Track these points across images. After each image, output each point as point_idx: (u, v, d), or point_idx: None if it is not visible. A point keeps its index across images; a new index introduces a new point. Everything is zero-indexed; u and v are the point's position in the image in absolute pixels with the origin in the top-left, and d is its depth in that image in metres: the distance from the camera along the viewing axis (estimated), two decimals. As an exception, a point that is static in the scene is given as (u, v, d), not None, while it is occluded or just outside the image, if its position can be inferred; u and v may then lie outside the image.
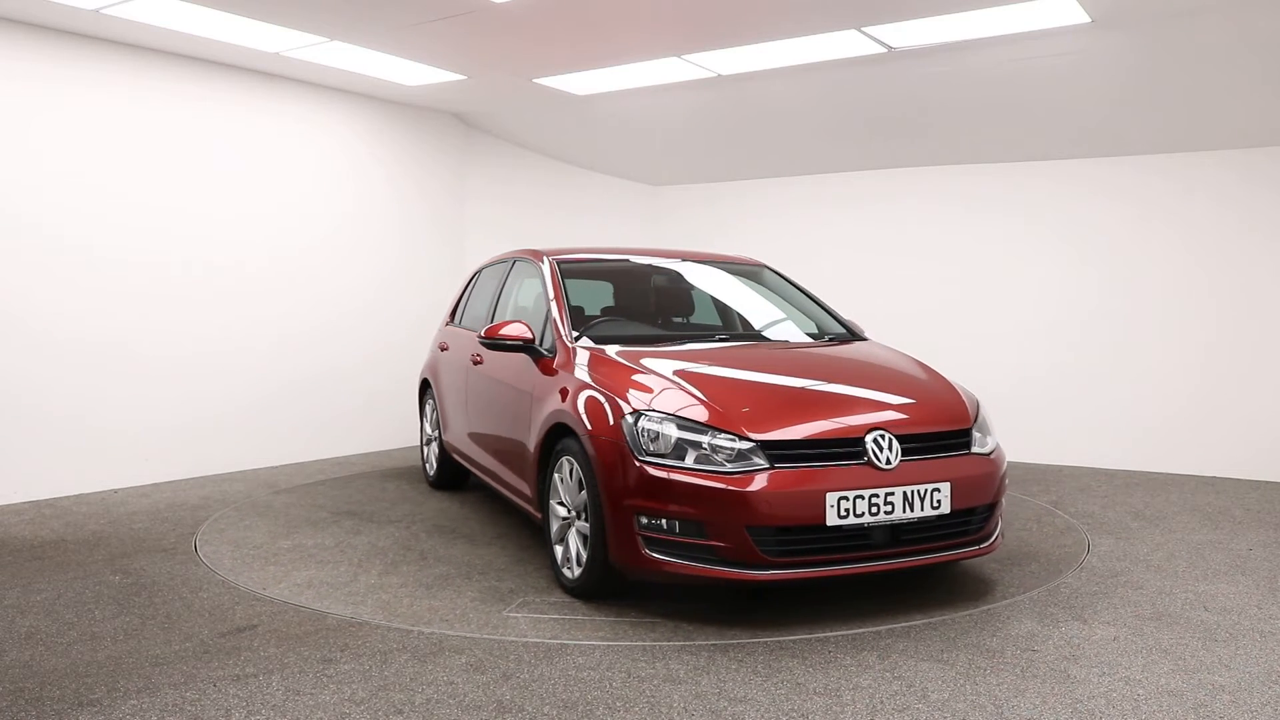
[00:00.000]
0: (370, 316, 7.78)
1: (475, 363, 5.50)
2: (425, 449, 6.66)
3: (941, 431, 3.93)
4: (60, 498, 5.91)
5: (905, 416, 3.93)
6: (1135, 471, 7.02)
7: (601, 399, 3.96)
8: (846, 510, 3.56)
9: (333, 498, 6.10)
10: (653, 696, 3.04)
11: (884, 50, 5.85)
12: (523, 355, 4.78)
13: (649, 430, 3.71)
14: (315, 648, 3.45)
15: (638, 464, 3.67)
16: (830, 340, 4.95)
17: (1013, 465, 7.33)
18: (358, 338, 7.69)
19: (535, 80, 6.87)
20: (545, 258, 5.16)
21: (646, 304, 5.41)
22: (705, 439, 3.64)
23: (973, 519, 3.90)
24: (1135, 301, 7.18)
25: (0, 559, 4.58)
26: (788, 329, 5.18)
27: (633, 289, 5.53)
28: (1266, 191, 6.69)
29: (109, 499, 5.90)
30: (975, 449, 3.99)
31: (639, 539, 3.66)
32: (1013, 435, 7.58)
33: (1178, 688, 3.12)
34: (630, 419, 3.76)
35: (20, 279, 5.78)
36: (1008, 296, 7.69)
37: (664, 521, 3.62)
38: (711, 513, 3.53)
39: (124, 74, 6.22)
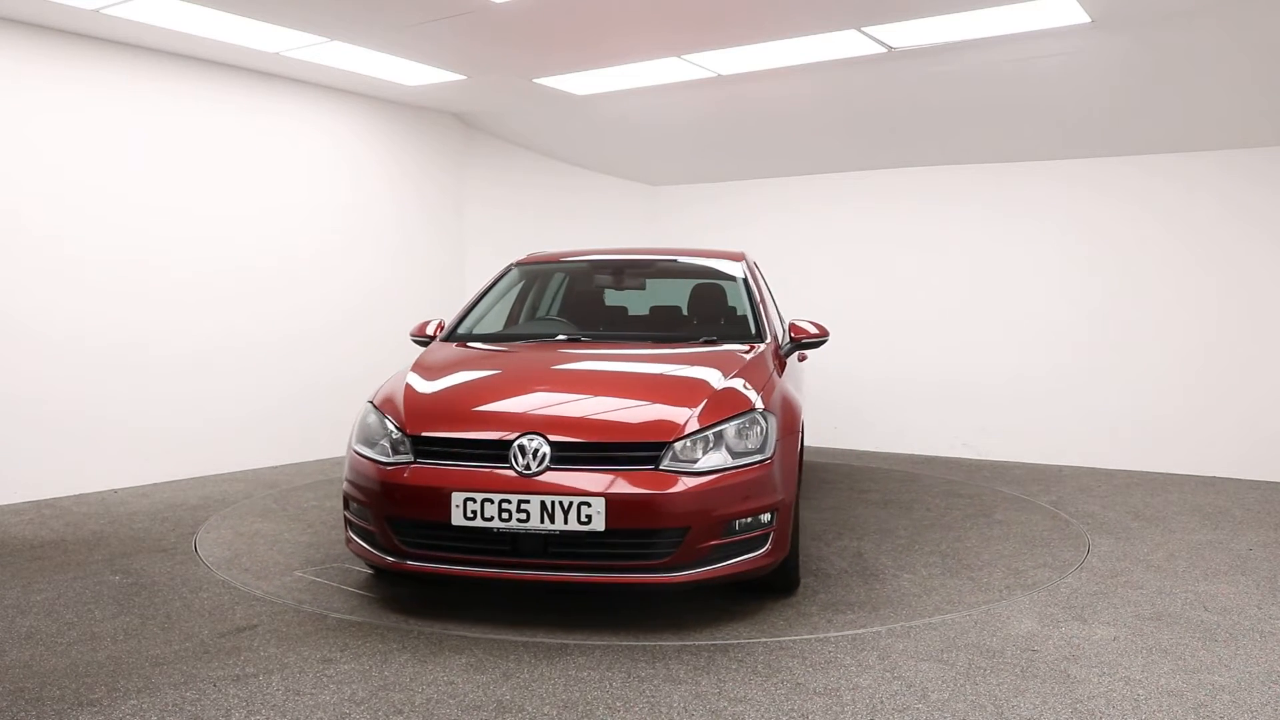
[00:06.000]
0: (372, 316, 7.77)
1: None
2: None
3: (608, 442, 3.61)
4: (60, 498, 5.91)
5: (577, 425, 3.69)
6: (1135, 471, 7.02)
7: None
8: (474, 512, 3.52)
9: None
10: (653, 696, 3.04)
11: (884, 50, 5.85)
12: None
13: (362, 421, 4.03)
14: (315, 648, 3.45)
15: (349, 451, 4.01)
16: (704, 342, 4.60)
17: (1013, 465, 7.33)
18: (359, 338, 7.68)
19: (535, 80, 6.87)
20: (516, 260, 5.42)
21: (582, 303, 5.51)
22: (386, 429, 3.86)
23: (658, 541, 3.51)
24: (1135, 301, 7.18)
25: (0, 559, 4.59)
26: (670, 329, 5.20)
27: (577, 289, 5.65)
28: (1266, 191, 6.70)
29: (109, 499, 5.90)
30: (669, 465, 3.55)
31: (345, 521, 4.02)
32: (1013, 435, 7.60)
33: (1178, 688, 3.12)
34: (364, 410, 4.09)
35: (20, 278, 5.78)
36: (1007, 296, 7.69)
37: (353, 505, 3.92)
38: (368, 501, 3.78)
39: (124, 74, 6.21)
